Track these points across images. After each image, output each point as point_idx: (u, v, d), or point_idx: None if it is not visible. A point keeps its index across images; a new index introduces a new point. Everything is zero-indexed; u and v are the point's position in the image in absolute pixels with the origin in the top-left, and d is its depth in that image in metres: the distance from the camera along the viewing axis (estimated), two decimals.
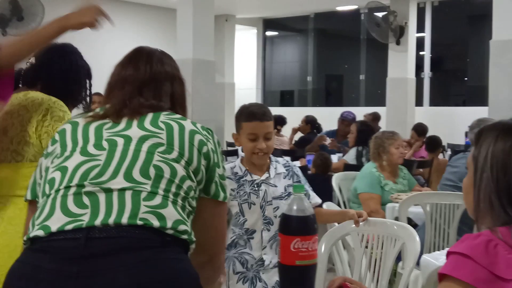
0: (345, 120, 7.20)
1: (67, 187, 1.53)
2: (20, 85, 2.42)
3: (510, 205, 1.39)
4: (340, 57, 12.72)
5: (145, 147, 1.60)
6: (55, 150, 1.66)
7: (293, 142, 8.42)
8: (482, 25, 10.48)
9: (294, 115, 9.54)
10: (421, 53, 10.55)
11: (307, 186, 2.80)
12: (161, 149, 1.61)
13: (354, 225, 2.75)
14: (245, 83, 12.64)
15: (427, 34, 10.64)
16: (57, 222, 1.48)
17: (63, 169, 1.59)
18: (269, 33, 13.15)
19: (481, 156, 1.45)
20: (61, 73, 2.40)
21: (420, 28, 10.23)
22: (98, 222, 1.46)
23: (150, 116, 1.70)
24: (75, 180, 1.54)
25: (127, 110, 1.71)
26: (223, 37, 11.27)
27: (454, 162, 4.24)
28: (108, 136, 1.64)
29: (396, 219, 3.73)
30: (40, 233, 1.48)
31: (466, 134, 4.13)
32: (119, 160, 1.57)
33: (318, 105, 11.89)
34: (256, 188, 2.71)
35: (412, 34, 9.74)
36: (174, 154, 1.62)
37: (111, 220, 1.46)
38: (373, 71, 11.75)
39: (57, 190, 1.54)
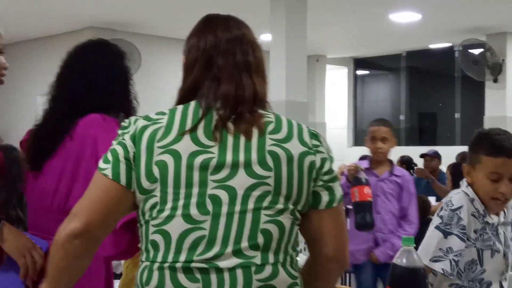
0: (427, 156, 7.36)
1: (175, 261, 1.47)
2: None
3: None
4: (434, 95, 12.46)
5: (250, 204, 1.48)
6: (154, 193, 1.50)
7: None
8: None
9: None
10: None
11: None
12: (267, 201, 1.50)
13: None
14: (336, 123, 12.57)
15: None
16: None
17: (165, 234, 1.48)
18: (360, 72, 13.08)
19: None
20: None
21: None
22: None
23: (255, 139, 1.52)
24: (183, 256, 1.46)
25: (229, 121, 1.54)
26: (314, 77, 11.30)
27: None
28: (212, 188, 1.49)
29: None
30: None
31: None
32: (224, 229, 1.47)
33: (411, 144, 11.64)
34: (496, 232, 2.23)
35: (510, 71, 9.43)
36: (281, 202, 1.51)
37: None
38: (469, 109, 11.43)
39: (163, 262, 1.48)
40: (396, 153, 8.76)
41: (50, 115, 2.18)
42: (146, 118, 1.57)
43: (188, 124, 1.53)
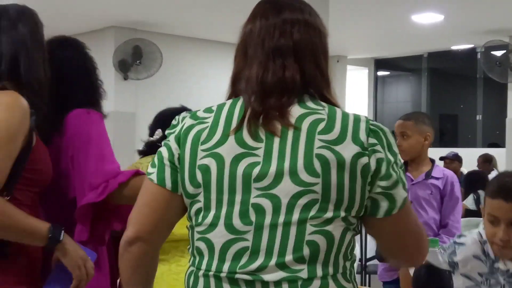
0: (447, 158, 7.34)
1: (218, 271, 1.43)
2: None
3: None
4: (455, 97, 12.39)
5: (296, 214, 1.39)
6: (198, 198, 1.46)
7: None
8: None
9: None
10: None
11: None
12: (314, 210, 1.39)
13: None
14: None
15: None
16: None
17: (208, 243, 1.44)
18: (380, 73, 13.01)
19: None
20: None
21: None
22: None
23: (303, 141, 1.41)
24: (226, 266, 1.42)
25: (270, 116, 1.44)
26: (334, 78, 11.18)
27: None
28: (255, 196, 1.42)
29: None
30: None
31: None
32: (268, 241, 1.40)
33: (432, 146, 11.54)
34: (511, 280, 2.05)
35: None
36: (330, 210, 1.40)
37: None
38: (491, 111, 11.34)
39: (208, 270, 1.45)
40: None
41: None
42: (193, 116, 1.51)
43: (234, 123, 1.46)
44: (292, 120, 1.43)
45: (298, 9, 1.55)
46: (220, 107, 1.51)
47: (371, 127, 1.45)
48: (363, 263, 5.14)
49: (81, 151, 2.01)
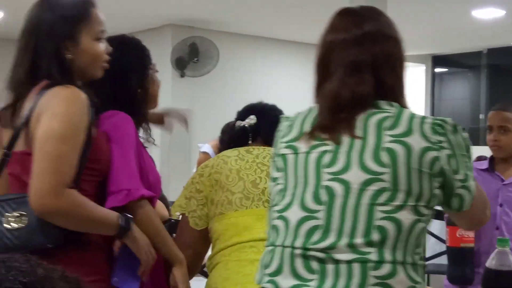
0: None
1: (293, 247, 1.52)
2: None
3: None
4: None
5: (365, 199, 1.47)
6: (279, 181, 1.63)
7: None
8: None
9: None
10: None
11: None
12: (383, 198, 1.46)
13: None
14: None
15: None
16: (285, 281, 1.51)
17: (285, 220, 1.56)
18: (438, 70, 12.79)
19: None
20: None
21: None
22: None
23: (372, 138, 1.50)
24: (299, 242, 1.51)
25: (339, 120, 1.56)
26: None
27: None
28: (327, 179, 1.52)
29: None
30: (270, 287, 1.55)
31: None
32: (339, 221, 1.48)
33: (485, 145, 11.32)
34: None
35: None
36: (400, 198, 1.47)
37: None
38: None
39: (284, 246, 1.54)
40: (474, 152, 8.56)
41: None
42: (285, 118, 1.73)
43: (306, 126, 1.62)
44: (360, 131, 1.52)
45: (376, 20, 1.64)
46: (303, 111, 1.69)
47: (437, 121, 1.52)
48: None
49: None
